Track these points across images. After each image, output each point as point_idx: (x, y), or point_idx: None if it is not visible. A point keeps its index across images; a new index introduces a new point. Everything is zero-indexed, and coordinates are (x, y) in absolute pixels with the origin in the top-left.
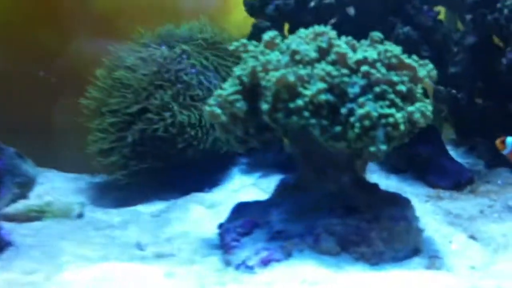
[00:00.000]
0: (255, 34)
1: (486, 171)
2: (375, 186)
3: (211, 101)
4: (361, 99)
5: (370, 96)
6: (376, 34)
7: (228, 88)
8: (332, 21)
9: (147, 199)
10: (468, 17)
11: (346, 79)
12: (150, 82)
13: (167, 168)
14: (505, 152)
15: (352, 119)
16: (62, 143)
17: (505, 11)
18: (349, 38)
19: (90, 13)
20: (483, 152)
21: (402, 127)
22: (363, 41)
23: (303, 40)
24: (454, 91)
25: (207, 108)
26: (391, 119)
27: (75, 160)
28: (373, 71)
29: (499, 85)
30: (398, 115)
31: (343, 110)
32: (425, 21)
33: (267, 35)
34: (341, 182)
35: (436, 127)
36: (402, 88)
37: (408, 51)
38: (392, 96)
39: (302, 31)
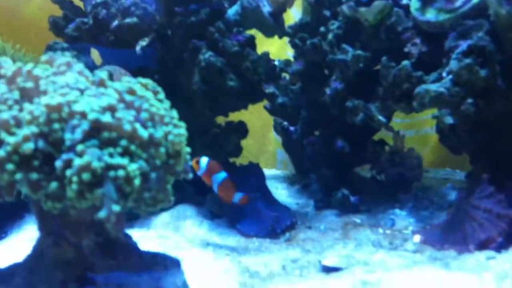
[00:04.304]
0: None
1: (313, 214)
2: (132, 247)
3: None
4: (80, 147)
5: (95, 141)
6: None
7: None
8: (143, 42)
9: None
10: (293, 41)
11: (57, 125)
12: None
13: None
14: (199, 173)
15: (69, 172)
16: None
17: (330, 36)
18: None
19: None
20: (315, 192)
21: (137, 181)
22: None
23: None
24: (285, 123)
25: None
26: (121, 172)
27: None
28: (103, 116)
29: (325, 118)
30: (132, 167)
31: (58, 164)
32: (231, 46)
33: None
34: (82, 247)
35: (258, 165)
36: (143, 134)
37: (212, 79)
38: (125, 142)
39: None
